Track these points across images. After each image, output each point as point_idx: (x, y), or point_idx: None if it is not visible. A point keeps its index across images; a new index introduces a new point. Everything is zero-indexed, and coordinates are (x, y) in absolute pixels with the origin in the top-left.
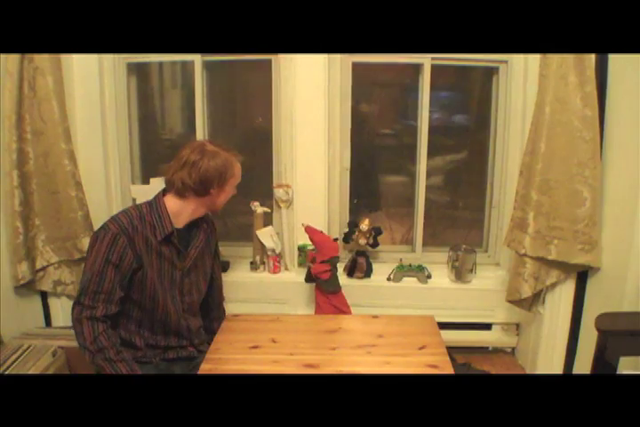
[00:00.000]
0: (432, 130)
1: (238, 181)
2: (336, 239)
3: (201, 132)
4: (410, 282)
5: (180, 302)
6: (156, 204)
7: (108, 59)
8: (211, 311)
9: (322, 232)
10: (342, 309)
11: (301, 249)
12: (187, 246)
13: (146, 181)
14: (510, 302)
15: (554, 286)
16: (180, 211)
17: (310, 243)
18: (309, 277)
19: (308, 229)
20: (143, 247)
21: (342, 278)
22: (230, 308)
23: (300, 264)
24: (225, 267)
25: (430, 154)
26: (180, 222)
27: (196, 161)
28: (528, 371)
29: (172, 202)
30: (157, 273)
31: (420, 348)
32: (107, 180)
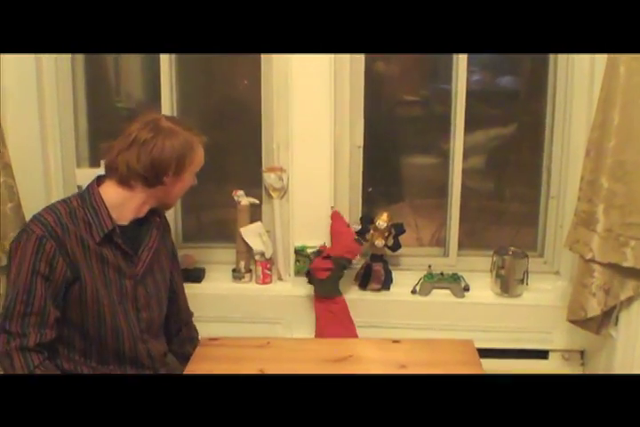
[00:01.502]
0: (471, 96)
1: (199, 168)
2: (359, 240)
3: (168, 99)
4: (441, 296)
5: (136, 319)
6: (89, 195)
7: None
8: (178, 332)
9: (348, 225)
10: (342, 319)
11: (299, 252)
12: (136, 248)
13: (95, 163)
14: (573, 322)
15: (630, 301)
16: (123, 204)
17: (309, 245)
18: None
19: (334, 216)
20: (78, 251)
21: (353, 291)
22: (206, 329)
23: (298, 272)
24: (199, 276)
25: (468, 127)
26: (122, 218)
27: (147, 140)
28: None
29: (111, 191)
30: (102, 283)
31: None
32: (44, 162)
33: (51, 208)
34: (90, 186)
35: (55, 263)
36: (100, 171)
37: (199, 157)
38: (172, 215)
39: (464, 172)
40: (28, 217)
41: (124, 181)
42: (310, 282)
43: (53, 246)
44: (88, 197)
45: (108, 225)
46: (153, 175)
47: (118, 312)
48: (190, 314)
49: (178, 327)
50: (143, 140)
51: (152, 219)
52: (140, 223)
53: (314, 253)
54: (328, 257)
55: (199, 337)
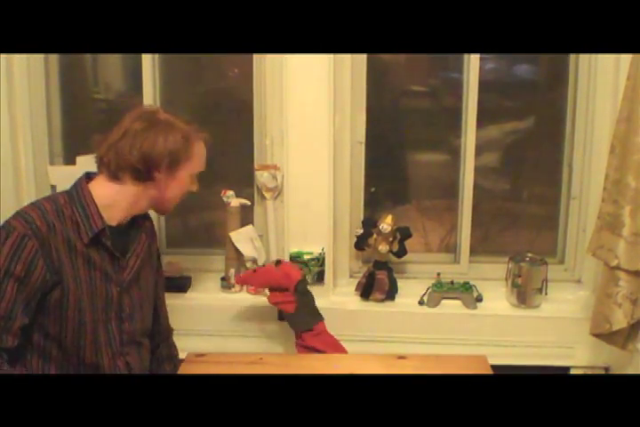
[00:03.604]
0: (484, 86)
1: (199, 168)
2: (278, 262)
3: (150, 90)
4: (451, 307)
5: (118, 331)
6: (77, 192)
7: None
8: (155, 350)
9: (254, 271)
10: (325, 352)
11: (295, 259)
12: (124, 253)
13: (70, 160)
14: (597, 335)
15: None
16: (114, 201)
17: (306, 251)
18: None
19: (239, 279)
20: (64, 253)
21: (354, 301)
22: (191, 344)
23: None
24: (184, 285)
25: (481, 121)
26: (113, 218)
27: (139, 131)
28: None
29: (102, 188)
30: (87, 288)
31: None
32: (14, 158)
33: (35, 204)
34: (78, 183)
35: (34, 266)
36: (76, 168)
37: (198, 156)
38: (155, 218)
39: (476, 170)
40: None
41: (114, 175)
42: (282, 319)
43: (35, 246)
44: (76, 195)
45: (98, 225)
46: (144, 169)
47: (99, 322)
48: (170, 330)
49: (155, 345)
50: (135, 132)
51: (142, 223)
52: (128, 226)
53: (312, 259)
54: (282, 289)
55: (181, 354)
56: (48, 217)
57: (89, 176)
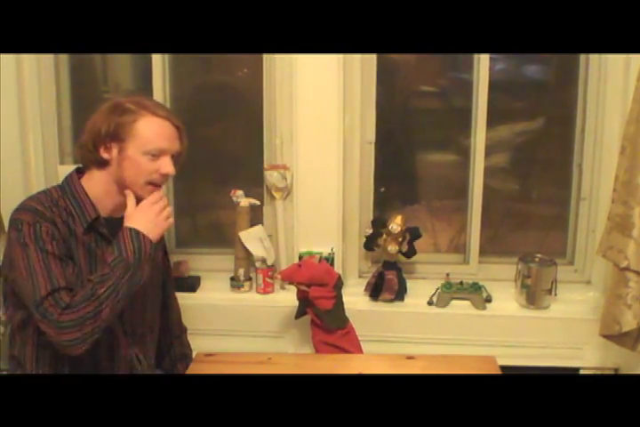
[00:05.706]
0: (494, 87)
1: (152, 145)
2: (320, 259)
3: (160, 88)
4: (461, 307)
5: (119, 321)
6: (68, 185)
7: None
8: (169, 349)
9: (299, 266)
10: (350, 351)
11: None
12: None
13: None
14: (606, 336)
15: None
16: (96, 192)
17: (316, 251)
18: (302, 311)
19: (285, 275)
20: (67, 236)
21: (363, 302)
22: (201, 343)
23: None
24: (193, 285)
25: (491, 122)
26: (104, 209)
27: (91, 116)
28: None
29: (87, 181)
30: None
31: None
32: (24, 157)
33: (31, 197)
34: (69, 176)
35: (56, 241)
36: None
37: (146, 133)
38: None
39: (486, 170)
40: (5, 218)
41: (85, 167)
42: (299, 315)
43: (48, 226)
44: (68, 188)
45: (91, 214)
46: (92, 151)
47: None
48: (183, 329)
49: (168, 343)
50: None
51: None
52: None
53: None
54: (322, 285)
55: (193, 354)
56: (46, 205)
57: (79, 170)
